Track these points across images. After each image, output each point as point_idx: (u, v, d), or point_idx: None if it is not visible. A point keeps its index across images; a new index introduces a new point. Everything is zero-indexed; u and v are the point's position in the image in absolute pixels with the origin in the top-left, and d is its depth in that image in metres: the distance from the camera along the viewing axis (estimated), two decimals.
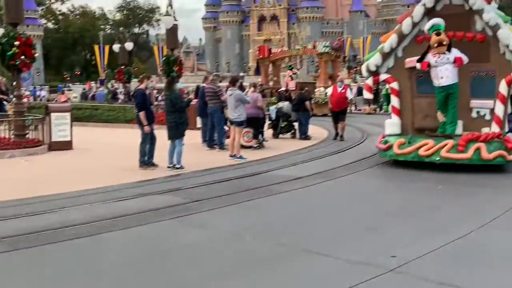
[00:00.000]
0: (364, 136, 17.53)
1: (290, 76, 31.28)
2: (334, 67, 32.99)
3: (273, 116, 17.79)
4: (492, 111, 10.79)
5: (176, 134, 11.17)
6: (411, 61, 11.19)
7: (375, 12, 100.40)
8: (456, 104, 10.71)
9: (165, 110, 11.85)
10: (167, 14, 23.78)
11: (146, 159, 11.32)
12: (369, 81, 12.00)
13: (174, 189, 9.11)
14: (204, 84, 15.71)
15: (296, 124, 17.71)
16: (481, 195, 8.51)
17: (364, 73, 11.97)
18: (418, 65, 10.85)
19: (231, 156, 12.61)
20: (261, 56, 33.77)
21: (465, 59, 10.57)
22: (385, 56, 11.50)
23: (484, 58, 10.84)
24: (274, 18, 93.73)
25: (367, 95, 12.90)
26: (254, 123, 14.66)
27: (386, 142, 11.18)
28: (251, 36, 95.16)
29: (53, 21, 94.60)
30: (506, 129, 10.93)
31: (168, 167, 11.11)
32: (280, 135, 17.60)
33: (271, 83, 33.63)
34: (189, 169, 11.02)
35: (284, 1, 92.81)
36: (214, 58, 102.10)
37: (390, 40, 11.44)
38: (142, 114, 11.11)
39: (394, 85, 11.51)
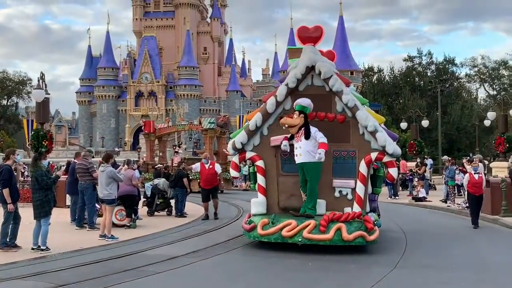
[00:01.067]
0: (240, 213, 17.70)
1: (176, 151, 31.37)
2: (219, 144, 33.35)
3: (148, 193, 17.47)
4: (353, 190, 10.86)
5: (41, 213, 10.58)
6: (276, 140, 11.26)
7: (250, 92, 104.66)
8: (313, 186, 10.62)
9: (31, 188, 11.24)
10: (39, 87, 22.95)
11: (8, 241, 10.53)
12: (235, 159, 11.87)
13: (39, 272, 8.48)
14: (75, 160, 15.16)
15: (172, 201, 17.49)
16: (353, 270, 8.84)
17: (230, 150, 11.75)
18: (284, 143, 10.89)
19: (101, 236, 12.10)
20: (146, 131, 33.32)
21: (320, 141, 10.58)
22: (251, 133, 11.44)
23: (345, 138, 11.05)
24: (152, 94, 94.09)
25: (233, 173, 12.44)
26: (128, 201, 14.29)
27: (250, 222, 11.02)
28: (128, 111, 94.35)
29: None
30: (368, 209, 11.07)
31: (33, 248, 10.40)
32: (156, 213, 17.24)
33: (156, 159, 33.28)
34: (56, 251, 10.38)
35: (162, 78, 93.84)
36: (88, 132, 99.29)
37: (255, 118, 11.42)
38: (6, 192, 10.46)
39: (260, 163, 11.43)
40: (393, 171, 10.96)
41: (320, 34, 11.28)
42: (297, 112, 10.77)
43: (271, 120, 11.47)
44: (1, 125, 78.30)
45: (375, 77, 77.29)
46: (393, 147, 10.63)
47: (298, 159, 10.71)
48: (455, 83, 74.83)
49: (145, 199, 17.37)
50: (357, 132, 10.98)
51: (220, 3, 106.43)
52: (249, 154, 11.57)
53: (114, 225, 12.86)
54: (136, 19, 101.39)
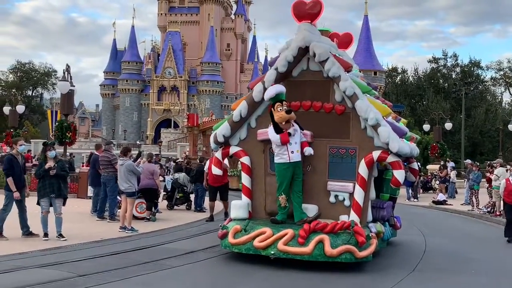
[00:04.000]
0: None
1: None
2: None
3: (169, 187, 17.61)
4: (352, 195, 9.19)
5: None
6: (263, 133, 9.63)
7: None
8: (301, 188, 9.28)
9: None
10: (64, 79, 23.27)
11: (23, 230, 10.84)
12: (218, 154, 10.25)
13: (59, 262, 8.59)
14: (96, 152, 15.34)
15: (192, 196, 17.61)
16: (368, 272, 8.80)
17: (212, 144, 10.24)
18: (276, 137, 9.13)
19: (121, 228, 12.22)
20: (189, 125, 32.46)
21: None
22: (235, 125, 9.88)
23: (344, 133, 9.38)
24: (174, 89, 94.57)
25: (215, 170, 10.35)
26: (149, 194, 14.42)
27: (224, 228, 9.46)
28: (151, 105, 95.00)
29: None
30: (369, 218, 9.34)
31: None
32: (175, 207, 17.37)
33: (200, 153, 32.45)
34: (76, 241, 10.53)
35: (185, 73, 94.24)
36: (110, 125, 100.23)
37: (239, 108, 9.85)
38: (9, 180, 10.69)
39: (245, 160, 9.89)
40: (398, 174, 9.08)
41: (319, 10, 9.64)
42: (285, 103, 9.19)
43: (260, 110, 9.82)
44: (25, 115, 79.39)
45: (398, 78, 76.74)
46: (398, 144, 8.85)
47: (293, 157, 9.11)
48: (480, 86, 74.01)
49: (165, 193, 17.50)
50: (358, 126, 9.29)
51: (244, 0, 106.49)
52: (233, 149, 10.02)
53: (134, 217, 12.98)
54: (161, 14, 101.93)
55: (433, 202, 23.40)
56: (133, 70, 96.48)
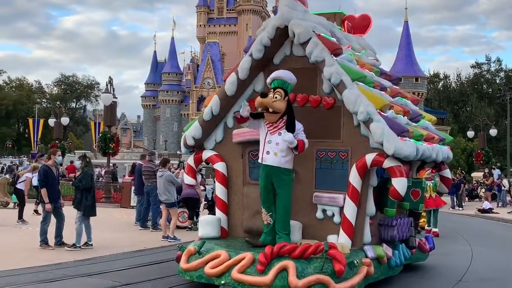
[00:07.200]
0: None
1: None
2: None
3: (210, 196, 17.71)
4: (342, 210, 7.40)
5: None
6: (240, 133, 8.04)
7: None
8: (287, 204, 7.17)
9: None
10: (107, 91, 23.78)
11: (56, 239, 10.87)
12: (190, 160, 8.70)
13: (103, 271, 8.73)
14: (140, 162, 15.59)
15: None
16: (413, 283, 8.63)
17: (182, 148, 8.82)
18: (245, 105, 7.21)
19: (164, 237, 12.35)
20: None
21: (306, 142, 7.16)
22: (207, 125, 8.32)
23: (333, 132, 7.59)
24: None
25: (187, 179, 8.79)
26: (190, 203, 14.54)
27: (181, 249, 7.83)
28: (190, 115, 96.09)
29: None
30: (367, 239, 7.45)
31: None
32: None
33: None
34: (120, 250, 10.69)
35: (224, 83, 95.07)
36: (152, 136, 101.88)
37: (210, 104, 8.26)
38: (43, 191, 10.75)
39: (219, 166, 8.29)
40: (398, 183, 7.00)
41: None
42: (280, 91, 7.10)
43: (237, 107, 8.00)
44: (69, 127, 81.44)
45: (440, 84, 75.45)
46: (393, 144, 6.93)
47: (267, 159, 7.09)
48: None
49: (206, 202, 17.62)
50: (350, 123, 7.47)
51: None
52: (206, 154, 8.47)
53: (176, 226, 13.10)
54: (200, 25, 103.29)
55: (479, 210, 22.83)
56: (173, 81, 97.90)
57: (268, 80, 7.32)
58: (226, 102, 8.17)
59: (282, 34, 7.80)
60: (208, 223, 8.12)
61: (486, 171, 27.83)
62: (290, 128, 7.00)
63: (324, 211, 7.57)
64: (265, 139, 7.14)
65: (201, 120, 8.35)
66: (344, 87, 7.25)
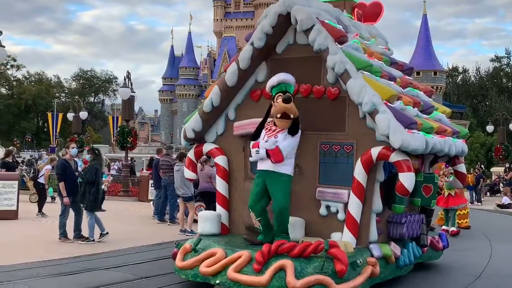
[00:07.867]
0: None
1: None
2: None
3: None
4: (346, 206, 7.08)
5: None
6: (241, 126, 7.82)
7: None
8: (284, 209, 6.71)
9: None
10: (125, 85, 23.92)
11: (74, 233, 10.86)
12: (191, 154, 8.49)
13: (122, 264, 8.78)
14: (157, 156, 15.67)
15: None
16: (432, 278, 8.57)
17: (182, 141, 8.55)
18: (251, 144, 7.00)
19: (181, 230, 12.41)
20: None
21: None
22: (208, 117, 8.09)
23: (338, 124, 7.27)
24: None
25: (188, 173, 8.50)
26: (207, 197, 14.56)
27: (178, 245, 7.47)
28: None
29: (6, 87, 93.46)
30: (374, 237, 7.12)
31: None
32: None
33: None
34: (139, 243, 10.77)
35: None
36: (169, 130, 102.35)
37: (210, 96, 8.02)
38: (61, 185, 10.75)
39: (220, 160, 8.09)
40: (404, 178, 6.65)
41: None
42: (286, 95, 6.70)
43: (239, 98, 7.99)
44: (88, 121, 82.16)
45: (459, 78, 74.67)
46: (400, 137, 6.55)
47: (262, 164, 6.80)
48: None
49: None
50: (356, 115, 7.12)
51: None
52: (207, 147, 8.26)
53: (194, 220, 13.13)
54: (217, 19, 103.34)
55: (498, 205, 22.60)
56: (190, 75, 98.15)
57: (272, 83, 7.00)
58: (227, 93, 7.92)
59: (284, 21, 7.48)
60: (207, 219, 7.82)
61: (507, 165, 27.50)
62: (294, 129, 6.71)
63: (328, 207, 7.29)
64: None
65: (201, 112, 8.10)
66: (348, 76, 6.91)
